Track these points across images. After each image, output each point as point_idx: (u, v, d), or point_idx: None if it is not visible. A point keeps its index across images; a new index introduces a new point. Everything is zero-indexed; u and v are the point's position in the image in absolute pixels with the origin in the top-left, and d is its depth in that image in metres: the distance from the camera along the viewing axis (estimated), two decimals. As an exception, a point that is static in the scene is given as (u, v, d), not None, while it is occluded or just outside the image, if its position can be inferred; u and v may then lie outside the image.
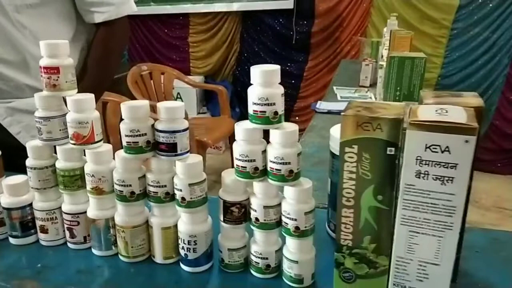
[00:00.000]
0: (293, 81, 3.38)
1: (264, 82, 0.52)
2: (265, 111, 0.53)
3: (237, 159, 0.56)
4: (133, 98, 2.37)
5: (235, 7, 3.32)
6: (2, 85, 0.98)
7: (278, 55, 3.37)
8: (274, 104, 0.53)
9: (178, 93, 3.37)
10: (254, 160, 0.55)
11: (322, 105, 1.57)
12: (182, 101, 3.45)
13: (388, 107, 0.52)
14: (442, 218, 0.49)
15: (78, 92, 1.09)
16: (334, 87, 1.93)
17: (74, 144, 0.62)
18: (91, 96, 0.62)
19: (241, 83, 3.53)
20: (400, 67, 0.81)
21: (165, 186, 0.59)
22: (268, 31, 3.37)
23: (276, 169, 0.54)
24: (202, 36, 3.52)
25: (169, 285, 0.61)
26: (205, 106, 3.62)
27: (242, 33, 3.46)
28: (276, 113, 0.53)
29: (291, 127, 0.55)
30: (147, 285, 0.60)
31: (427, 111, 0.49)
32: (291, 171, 0.54)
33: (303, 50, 3.32)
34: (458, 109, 0.50)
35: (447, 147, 0.46)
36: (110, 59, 1.07)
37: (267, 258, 0.60)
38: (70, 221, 0.66)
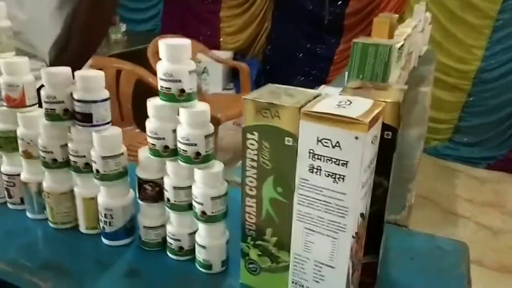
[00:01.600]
0: (322, 64, 3.28)
1: (170, 57, 0.50)
2: (170, 88, 0.50)
3: (148, 136, 0.54)
4: (151, 69, 2.39)
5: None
6: None
7: (309, 35, 3.28)
8: (180, 81, 0.50)
9: (205, 68, 3.38)
10: (164, 138, 0.54)
11: (325, 90, 1.51)
12: (208, 75, 3.46)
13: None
14: (336, 218, 0.45)
15: (64, 58, 1.11)
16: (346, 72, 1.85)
17: (6, 106, 0.63)
18: (24, 60, 0.62)
19: (270, 63, 3.47)
20: (363, 54, 0.75)
21: (84, 156, 0.59)
22: (301, 10, 3.27)
23: (183, 150, 0.52)
24: (234, 11, 3.48)
25: (86, 255, 0.61)
26: (232, 82, 3.60)
27: (274, 11, 3.38)
28: (182, 90, 0.51)
29: (201, 107, 0.53)
30: (64, 252, 0.61)
31: (328, 102, 0.45)
32: (198, 153, 0.52)
33: (335, 32, 3.20)
34: (365, 103, 0.45)
35: (338, 142, 0.42)
36: (95, 25, 1.08)
37: (179, 240, 0.58)
38: (7, 181, 0.68)
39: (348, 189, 0.44)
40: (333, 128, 0.42)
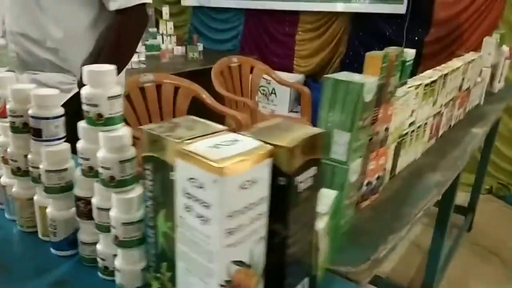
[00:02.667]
0: (395, 93, 3.11)
1: (90, 82, 0.52)
2: (89, 112, 0.53)
3: (78, 156, 0.57)
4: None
5: (345, 7, 3.19)
6: (28, 57, 1.15)
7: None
8: (97, 105, 0.52)
9: (273, 89, 3.41)
10: (89, 159, 0.56)
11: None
12: (275, 96, 3.49)
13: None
14: (204, 262, 0.43)
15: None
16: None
17: (-10, 116, 0.71)
18: (9, 76, 0.69)
19: (342, 87, 3.39)
20: (334, 90, 0.69)
21: (39, 168, 0.64)
22: (377, 36, 3.16)
23: (100, 172, 0.54)
24: (309, 35, 3.47)
25: (31, 259, 0.66)
26: (300, 105, 3.58)
27: (350, 36, 3.31)
28: (100, 115, 0.53)
29: (121, 132, 0.54)
30: (15, 253, 0.67)
31: (211, 141, 0.44)
32: (112, 177, 0.54)
33: (414, 60, 3.01)
34: (249, 144, 0.43)
35: (202, 183, 0.41)
36: (123, 45, 1.16)
37: (105, 260, 0.60)
38: (-6, 183, 0.76)
39: (212, 233, 0.41)
40: (198, 168, 0.40)
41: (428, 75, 1.15)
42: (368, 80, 0.68)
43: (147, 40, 3.39)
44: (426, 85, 1.07)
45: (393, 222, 0.83)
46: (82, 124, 0.55)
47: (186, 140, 0.44)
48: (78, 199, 0.60)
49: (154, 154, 0.47)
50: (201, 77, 2.62)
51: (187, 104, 2.18)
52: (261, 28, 3.71)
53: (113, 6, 1.11)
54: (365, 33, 3.23)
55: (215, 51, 3.72)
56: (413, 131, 1.07)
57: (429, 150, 1.23)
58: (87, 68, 0.52)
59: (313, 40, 3.47)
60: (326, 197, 0.69)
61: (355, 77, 0.69)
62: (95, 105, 0.52)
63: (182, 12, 4.17)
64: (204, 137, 0.45)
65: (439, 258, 1.54)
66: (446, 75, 1.21)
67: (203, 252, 0.43)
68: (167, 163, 0.46)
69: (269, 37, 3.68)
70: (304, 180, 0.48)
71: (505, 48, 1.91)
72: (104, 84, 0.52)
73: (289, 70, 3.60)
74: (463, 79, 1.41)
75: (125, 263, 0.57)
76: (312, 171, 0.49)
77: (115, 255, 0.59)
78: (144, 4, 1.15)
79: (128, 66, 2.78)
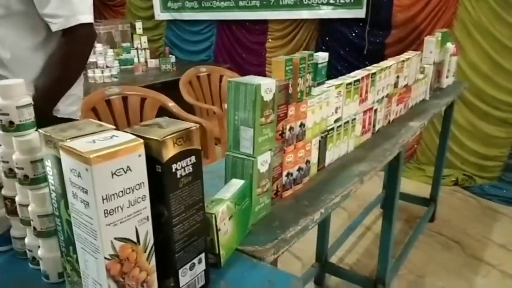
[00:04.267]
0: (363, 93, 3.22)
1: (1, 94, 0.61)
2: (1, 120, 0.61)
3: None
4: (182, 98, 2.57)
5: (310, 15, 3.31)
6: None
7: (351, 64, 3.25)
8: (8, 114, 0.61)
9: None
10: (8, 162, 0.65)
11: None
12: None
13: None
14: (92, 240, 0.52)
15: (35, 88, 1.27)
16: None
17: None
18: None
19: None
20: (236, 92, 0.79)
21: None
22: (342, 40, 3.28)
23: (15, 172, 0.63)
24: (279, 42, 3.59)
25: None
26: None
27: (317, 41, 3.43)
28: (11, 122, 0.61)
29: (29, 136, 0.63)
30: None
31: (90, 138, 0.52)
32: (26, 176, 0.62)
33: (376, 61, 3.13)
34: (124, 139, 0.52)
35: (79, 172, 0.49)
36: (68, 63, 1.24)
37: (31, 251, 0.68)
38: None
39: (93, 214, 0.50)
40: (75, 160, 0.49)
41: (353, 74, 1.25)
42: (265, 82, 0.77)
43: (121, 55, 3.49)
44: (348, 84, 1.17)
45: (308, 207, 0.92)
46: None
47: (72, 138, 0.53)
48: (5, 198, 0.69)
49: (51, 152, 0.56)
50: (174, 87, 2.72)
51: (154, 114, 2.27)
52: (232, 38, 3.82)
53: (54, 27, 1.19)
54: (331, 38, 3.35)
55: (190, 62, 3.82)
56: (339, 126, 1.17)
57: (363, 144, 1.32)
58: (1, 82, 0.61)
59: (283, 47, 3.58)
60: (233, 186, 0.78)
61: (254, 79, 0.79)
62: (6, 114, 0.61)
63: (157, 26, 4.28)
64: (89, 136, 0.53)
65: (389, 247, 1.63)
66: (373, 74, 1.31)
67: (90, 232, 0.51)
68: (58, 159, 0.55)
69: (241, 46, 3.79)
70: (182, 168, 0.57)
71: (450, 46, 2.02)
72: (13, 96, 0.61)
73: (263, 76, 3.69)
74: (397, 76, 1.52)
75: (46, 252, 0.65)
76: (191, 160, 0.58)
77: (39, 246, 0.67)
78: (88, 24, 1.23)
79: (100, 81, 2.88)
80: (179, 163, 0.56)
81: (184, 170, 0.57)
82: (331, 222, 2.42)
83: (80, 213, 0.52)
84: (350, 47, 3.27)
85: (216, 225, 0.67)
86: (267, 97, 0.79)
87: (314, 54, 1.01)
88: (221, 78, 2.93)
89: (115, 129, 0.57)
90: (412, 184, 2.92)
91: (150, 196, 0.55)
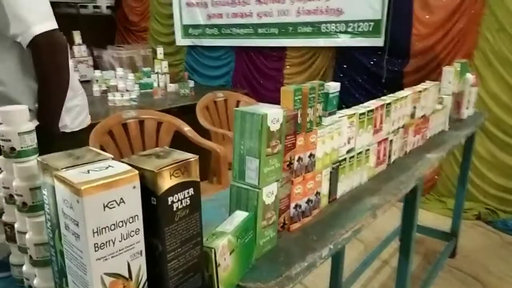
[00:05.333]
0: (381, 122, 3.18)
1: (3, 120, 0.61)
2: (3, 146, 0.61)
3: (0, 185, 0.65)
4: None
5: (327, 43, 3.32)
6: None
7: (368, 92, 3.23)
8: (9, 140, 0.61)
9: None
10: (8, 188, 0.64)
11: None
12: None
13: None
14: (82, 274, 0.50)
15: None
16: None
17: None
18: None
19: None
20: (243, 121, 0.77)
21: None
22: (359, 68, 3.26)
23: (15, 199, 0.62)
24: (296, 69, 3.60)
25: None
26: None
27: (334, 69, 3.43)
28: (13, 148, 0.61)
29: (30, 163, 0.62)
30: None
31: (85, 167, 0.51)
32: (24, 203, 0.61)
33: (394, 90, 3.10)
34: (118, 169, 0.50)
35: (71, 204, 0.48)
36: (44, 75, 1.25)
37: (28, 279, 0.67)
38: None
39: (83, 248, 0.48)
40: (67, 191, 0.48)
41: (367, 104, 1.22)
42: (271, 111, 0.76)
43: (142, 79, 3.56)
44: (361, 114, 1.14)
45: (317, 242, 0.88)
46: (0, 157, 0.64)
47: (67, 167, 0.52)
48: (5, 224, 0.68)
49: (47, 180, 0.55)
50: (191, 112, 2.74)
51: (170, 138, 2.28)
52: (250, 64, 3.86)
53: (23, 44, 1.20)
54: (349, 65, 3.34)
55: (208, 87, 3.87)
56: (352, 157, 1.14)
57: (378, 176, 1.28)
58: (1, 108, 0.61)
59: (300, 73, 3.59)
60: (237, 218, 0.75)
61: (261, 109, 0.77)
62: (8, 140, 0.61)
63: (178, 52, 4.37)
64: (84, 165, 0.52)
65: (406, 283, 1.56)
66: (388, 104, 1.28)
67: (80, 266, 0.50)
68: (54, 188, 0.54)
69: (259, 72, 3.82)
70: (178, 200, 0.55)
71: (469, 76, 1.98)
72: (15, 121, 0.61)
73: (279, 102, 3.69)
74: (414, 107, 1.48)
75: (41, 281, 0.64)
76: (189, 192, 0.56)
77: (36, 275, 0.66)
78: (47, 32, 1.20)
79: (119, 104, 2.92)
80: (175, 195, 0.54)
81: (181, 203, 0.55)
82: (345, 254, 2.35)
83: (72, 246, 0.51)
84: (368, 75, 3.25)
85: (216, 261, 0.65)
86: (274, 127, 0.78)
87: (325, 83, 0.99)
88: (238, 104, 2.94)
89: (113, 158, 0.56)
90: (432, 217, 2.83)
91: (145, 229, 0.53)
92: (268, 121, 0.75)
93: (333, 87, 1.00)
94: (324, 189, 1.04)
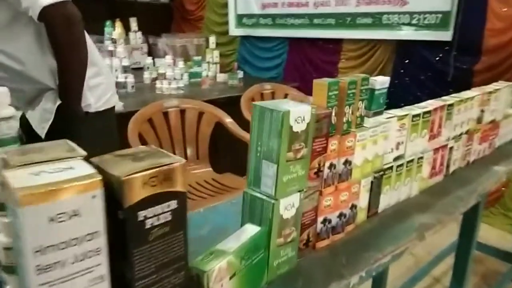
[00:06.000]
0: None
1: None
2: (-26, 135, 0.53)
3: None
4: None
5: (389, 35, 3.07)
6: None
7: (432, 91, 2.94)
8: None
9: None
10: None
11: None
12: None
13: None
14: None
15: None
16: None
17: None
18: None
19: (386, 117, 3.23)
20: (261, 118, 0.64)
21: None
22: (423, 64, 2.98)
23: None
24: (352, 63, 3.38)
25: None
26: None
27: (394, 64, 3.17)
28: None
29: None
30: None
31: (40, 167, 0.41)
32: (-5, 201, 0.53)
33: (461, 90, 2.80)
34: (81, 171, 0.40)
35: (12, 212, 0.38)
36: (58, 49, 1.19)
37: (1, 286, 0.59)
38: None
39: (22, 269, 0.38)
40: (9, 197, 0.38)
41: (424, 104, 1.04)
42: (296, 108, 0.62)
43: (191, 68, 3.52)
44: (415, 115, 0.96)
45: (346, 267, 0.74)
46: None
47: (22, 165, 0.42)
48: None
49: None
50: (237, 103, 2.65)
51: (210, 129, 2.20)
52: (303, 56, 3.69)
53: (32, 15, 1.13)
54: (410, 61, 3.07)
55: (258, 78, 3.75)
56: (400, 165, 0.97)
57: (431, 188, 1.10)
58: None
59: (356, 68, 3.36)
60: (245, 233, 0.63)
61: (285, 104, 0.64)
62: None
63: (231, 42, 4.29)
64: (42, 164, 0.42)
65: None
66: (450, 105, 1.09)
67: None
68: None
69: (311, 65, 3.65)
70: (154, 216, 0.44)
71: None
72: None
73: (332, 98, 3.51)
74: (482, 110, 1.27)
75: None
76: (170, 205, 0.44)
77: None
78: (56, 4, 1.13)
79: (166, 92, 2.90)
80: (150, 209, 0.43)
81: (158, 219, 0.44)
82: (391, 268, 2.15)
83: (17, 260, 0.41)
84: (432, 73, 2.96)
85: (209, 287, 0.53)
86: (299, 127, 0.64)
87: (371, 78, 0.83)
88: (286, 97, 2.80)
89: (84, 158, 0.46)
90: (496, 233, 2.53)
91: (110, 250, 0.42)
92: (290, 120, 0.62)
93: (381, 82, 0.84)
94: (362, 201, 0.89)
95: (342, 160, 0.78)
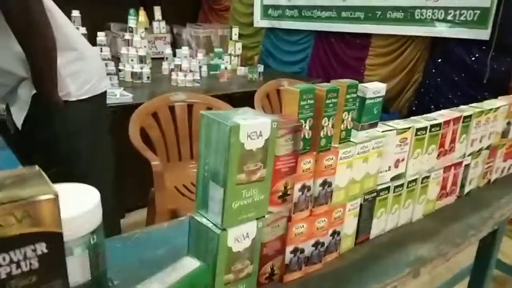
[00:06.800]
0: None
1: None
2: None
3: None
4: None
5: (422, 31, 2.85)
6: None
7: (466, 94, 2.72)
8: None
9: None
10: None
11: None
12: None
13: None
14: None
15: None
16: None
17: None
18: None
19: (414, 119, 3.02)
20: (208, 130, 0.52)
21: None
22: (457, 64, 2.76)
23: None
24: (381, 60, 3.18)
25: None
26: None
27: (426, 62, 2.95)
28: None
29: None
30: None
31: None
32: None
33: (498, 93, 2.56)
34: None
35: None
36: (22, 30, 1.10)
37: None
38: None
39: None
40: None
41: (435, 115, 0.89)
42: (250, 121, 0.50)
43: (213, 60, 3.43)
44: (419, 129, 0.82)
45: (313, 309, 0.62)
46: None
47: None
48: None
49: None
50: (253, 99, 2.53)
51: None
52: (330, 51, 3.51)
53: None
54: (444, 60, 2.85)
55: (281, 73, 3.61)
56: (399, 186, 0.83)
57: (440, 211, 0.95)
58: None
59: (385, 65, 3.16)
60: (179, 270, 0.53)
61: (238, 115, 0.52)
62: None
63: (257, 33, 4.16)
64: None
65: None
66: (468, 117, 0.93)
67: None
68: None
69: (337, 61, 3.47)
70: (12, 262, 0.34)
71: None
72: None
73: (357, 96, 3.34)
74: (508, 123, 1.10)
75: None
76: (36, 250, 0.34)
77: None
78: None
79: (181, 84, 2.82)
80: (2, 254, 0.33)
81: (17, 267, 0.34)
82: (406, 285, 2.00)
83: None
84: (467, 74, 2.73)
85: None
86: (253, 144, 0.52)
87: (361, 85, 0.70)
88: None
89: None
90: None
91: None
92: (241, 136, 0.50)
93: (373, 89, 0.71)
94: (348, 227, 0.76)
95: (319, 181, 0.66)
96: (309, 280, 0.69)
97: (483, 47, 2.61)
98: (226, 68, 3.30)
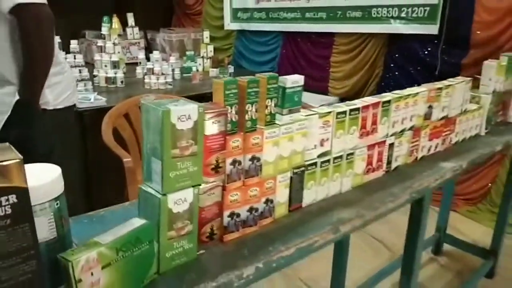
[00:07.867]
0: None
1: None
2: None
3: None
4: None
5: (379, 29, 3.04)
6: None
7: (420, 84, 2.91)
8: None
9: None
10: None
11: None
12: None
13: None
14: None
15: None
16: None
17: None
18: None
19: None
20: (147, 115, 0.66)
21: None
22: (412, 58, 2.95)
23: None
24: (344, 57, 3.36)
25: None
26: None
27: (385, 57, 3.14)
28: None
29: None
30: None
31: None
32: None
33: (450, 84, 2.76)
34: None
35: None
36: (26, 43, 1.25)
37: None
38: None
39: None
40: None
41: (357, 102, 1.05)
42: (180, 107, 0.65)
43: (185, 63, 3.56)
44: (339, 113, 0.98)
45: (245, 259, 0.76)
46: None
47: None
48: None
49: None
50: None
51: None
52: (297, 51, 3.69)
53: (1, 6, 1.19)
54: (400, 54, 3.04)
55: (251, 72, 3.75)
56: (326, 161, 0.98)
57: (367, 184, 1.11)
58: None
59: (348, 62, 3.35)
60: (128, 227, 0.67)
61: (171, 103, 0.67)
62: None
63: (228, 36, 4.31)
64: None
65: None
66: (387, 102, 1.10)
67: None
68: None
69: (305, 59, 3.64)
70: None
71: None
72: None
73: (324, 92, 3.51)
74: (429, 106, 1.27)
75: None
76: (8, 200, 0.48)
77: None
78: (38, 4, 1.20)
79: (154, 87, 2.94)
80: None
81: (-3, 212, 0.47)
82: (367, 261, 2.17)
83: None
84: (421, 66, 2.93)
85: (74, 276, 0.57)
86: (183, 125, 0.67)
87: (281, 77, 0.85)
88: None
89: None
90: (481, 230, 2.51)
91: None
92: (172, 118, 0.65)
93: (292, 80, 0.86)
94: (280, 196, 0.91)
95: (249, 156, 0.81)
96: (244, 240, 0.83)
97: (435, 41, 2.81)
98: (197, 70, 3.43)
